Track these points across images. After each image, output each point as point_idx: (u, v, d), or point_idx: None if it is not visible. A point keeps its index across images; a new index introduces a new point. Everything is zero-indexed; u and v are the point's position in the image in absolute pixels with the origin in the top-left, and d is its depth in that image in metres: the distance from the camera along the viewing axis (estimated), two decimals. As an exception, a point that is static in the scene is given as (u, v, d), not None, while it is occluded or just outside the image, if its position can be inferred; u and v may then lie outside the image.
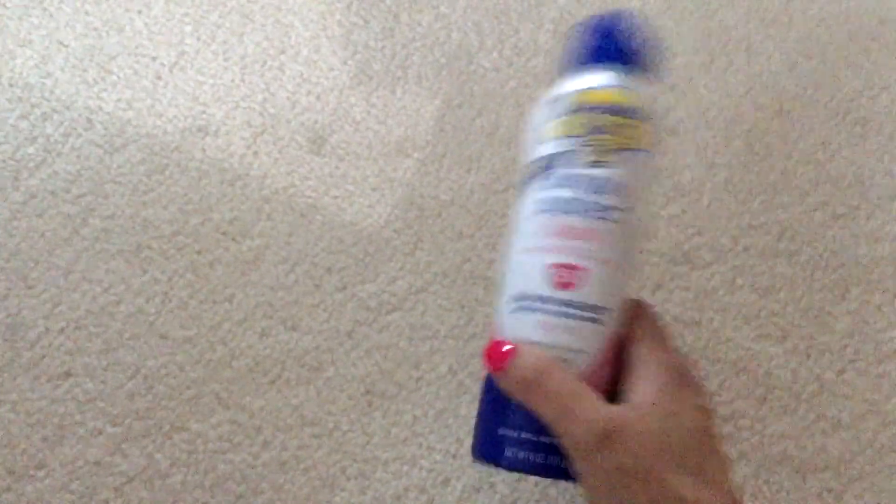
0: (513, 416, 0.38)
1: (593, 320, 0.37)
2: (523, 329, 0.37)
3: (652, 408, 0.35)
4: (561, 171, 0.37)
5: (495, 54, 0.63)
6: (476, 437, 0.40)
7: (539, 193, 0.38)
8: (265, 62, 0.62)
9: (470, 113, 0.60)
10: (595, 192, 0.37)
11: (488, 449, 0.38)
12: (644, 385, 0.36)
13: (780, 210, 0.57)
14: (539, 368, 0.36)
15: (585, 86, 0.38)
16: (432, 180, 0.57)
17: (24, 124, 0.58)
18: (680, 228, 0.56)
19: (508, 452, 0.37)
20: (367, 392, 0.50)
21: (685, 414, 0.36)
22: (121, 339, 0.51)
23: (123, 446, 0.48)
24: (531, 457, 0.37)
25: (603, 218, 0.37)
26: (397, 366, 0.51)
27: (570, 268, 0.36)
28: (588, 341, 0.37)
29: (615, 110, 0.37)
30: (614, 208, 0.37)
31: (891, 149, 0.59)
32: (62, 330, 0.51)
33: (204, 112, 0.59)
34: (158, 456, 0.48)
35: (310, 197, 0.56)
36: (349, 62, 0.62)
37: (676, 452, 0.35)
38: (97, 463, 0.48)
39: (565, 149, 0.37)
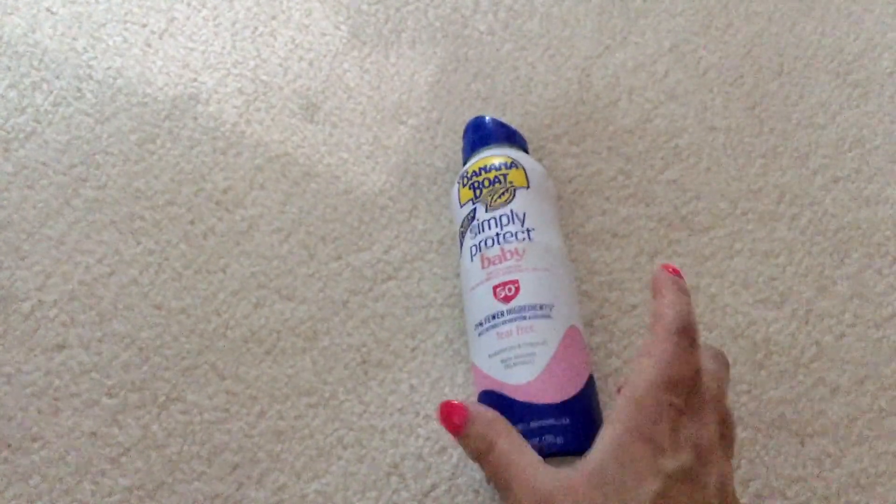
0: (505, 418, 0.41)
1: (542, 316, 0.44)
2: (489, 345, 0.44)
3: (593, 471, 0.34)
4: (475, 223, 0.47)
5: (490, 17, 0.62)
6: None
7: (468, 244, 0.47)
8: (256, 28, 0.61)
9: (465, 78, 0.59)
10: (502, 226, 0.46)
11: None
12: (601, 439, 0.35)
13: (779, 173, 0.56)
14: (488, 439, 0.38)
15: (471, 162, 0.51)
16: (427, 147, 0.57)
17: (12, 94, 0.57)
18: (677, 193, 0.55)
19: None
20: (363, 361, 0.50)
21: (631, 479, 0.34)
22: (114, 311, 0.51)
23: (119, 417, 0.48)
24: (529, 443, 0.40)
25: (516, 240, 0.46)
26: (393, 335, 0.50)
27: (506, 284, 0.45)
28: (544, 333, 0.43)
29: (490, 168, 0.49)
30: (520, 231, 0.46)
31: (892, 110, 0.58)
32: (55, 302, 0.51)
33: (195, 80, 0.58)
34: (154, 427, 0.48)
35: (303, 165, 0.56)
36: (342, 27, 0.61)
37: None
38: (93, 434, 0.48)
39: (472, 206, 0.48)
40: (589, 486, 0.34)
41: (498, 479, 0.37)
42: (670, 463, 0.34)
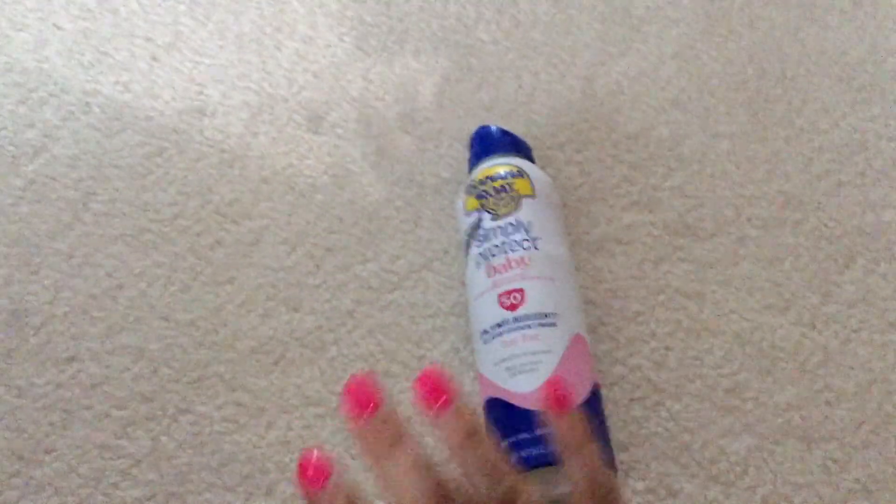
0: (508, 426, 0.43)
1: (547, 325, 0.44)
2: (495, 353, 0.44)
3: None
4: (481, 232, 0.48)
5: (493, 26, 0.62)
6: None
7: (473, 252, 0.48)
8: (261, 40, 0.61)
9: (469, 87, 0.60)
10: (508, 235, 0.47)
11: None
12: None
13: (783, 179, 0.56)
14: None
15: (477, 171, 0.51)
16: (432, 157, 0.57)
17: (22, 109, 0.58)
18: (682, 199, 0.55)
19: (513, 458, 0.41)
20: (370, 371, 0.50)
21: None
22: (124, 323, 0.51)
23: (129, 429, 0.49)
24: (533, 452, 0.41)
25: (521, 248, 0.46)
26: (399, 344, 0.51)
27: (511, 292, 0.45)
28: (549, 342, 0.44)
29: (496, 177, 0.49)
30: (525, 240, 0.47)
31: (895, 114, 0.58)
32: (66, 315, 0.52)
33: (201, 93, 0.59)
34: (164, 438, 0.48)
35: (309, 176, 0.56)
36: (345, 38, 0.61)
37: None
38: (104, 446, 0.48)
39: (478, 215, 0.48)
40: None
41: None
42: None
